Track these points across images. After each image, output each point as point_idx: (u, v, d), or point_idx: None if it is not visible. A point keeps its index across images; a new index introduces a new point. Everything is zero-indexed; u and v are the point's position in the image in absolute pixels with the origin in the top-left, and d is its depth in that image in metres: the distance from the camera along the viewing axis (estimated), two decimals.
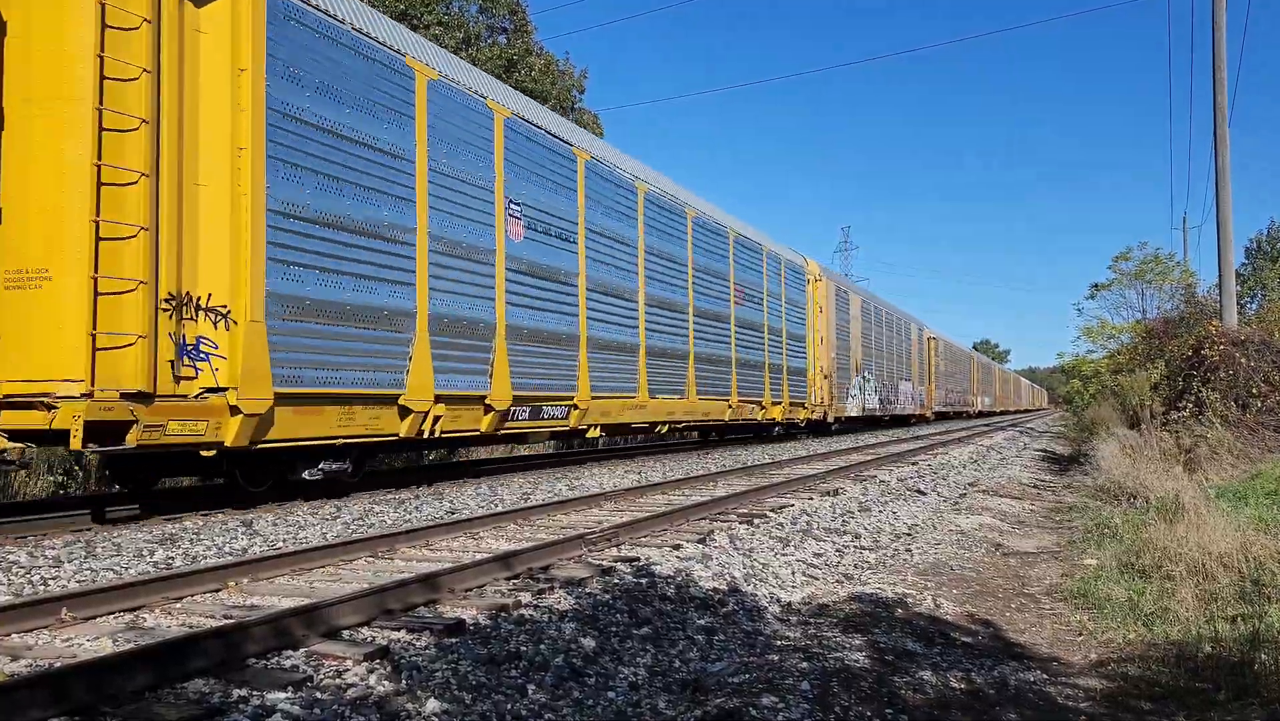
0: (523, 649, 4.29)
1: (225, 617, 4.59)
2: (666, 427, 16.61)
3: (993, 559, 8.30)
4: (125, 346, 7.13)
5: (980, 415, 61.57)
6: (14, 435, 6.94)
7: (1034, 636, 5.74)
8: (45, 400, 6.82)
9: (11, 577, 5.52)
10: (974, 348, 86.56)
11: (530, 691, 3.85)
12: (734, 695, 4.02)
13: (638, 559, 6.43)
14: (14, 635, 4.32)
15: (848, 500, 10.51)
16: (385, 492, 10.33)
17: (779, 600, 6.12)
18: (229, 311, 7.89)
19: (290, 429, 8.42)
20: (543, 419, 12.44)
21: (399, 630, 4.46)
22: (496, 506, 9.21)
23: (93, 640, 4.28)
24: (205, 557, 6.36)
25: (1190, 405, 16.20)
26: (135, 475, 9.09)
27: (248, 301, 7.93)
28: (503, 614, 4.82)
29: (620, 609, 5.15)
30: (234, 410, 7.83)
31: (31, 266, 7.05)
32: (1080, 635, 5.72)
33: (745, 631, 5.28)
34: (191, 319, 7.72)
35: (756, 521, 8.38)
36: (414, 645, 4.23)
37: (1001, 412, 75.37)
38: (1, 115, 7.13)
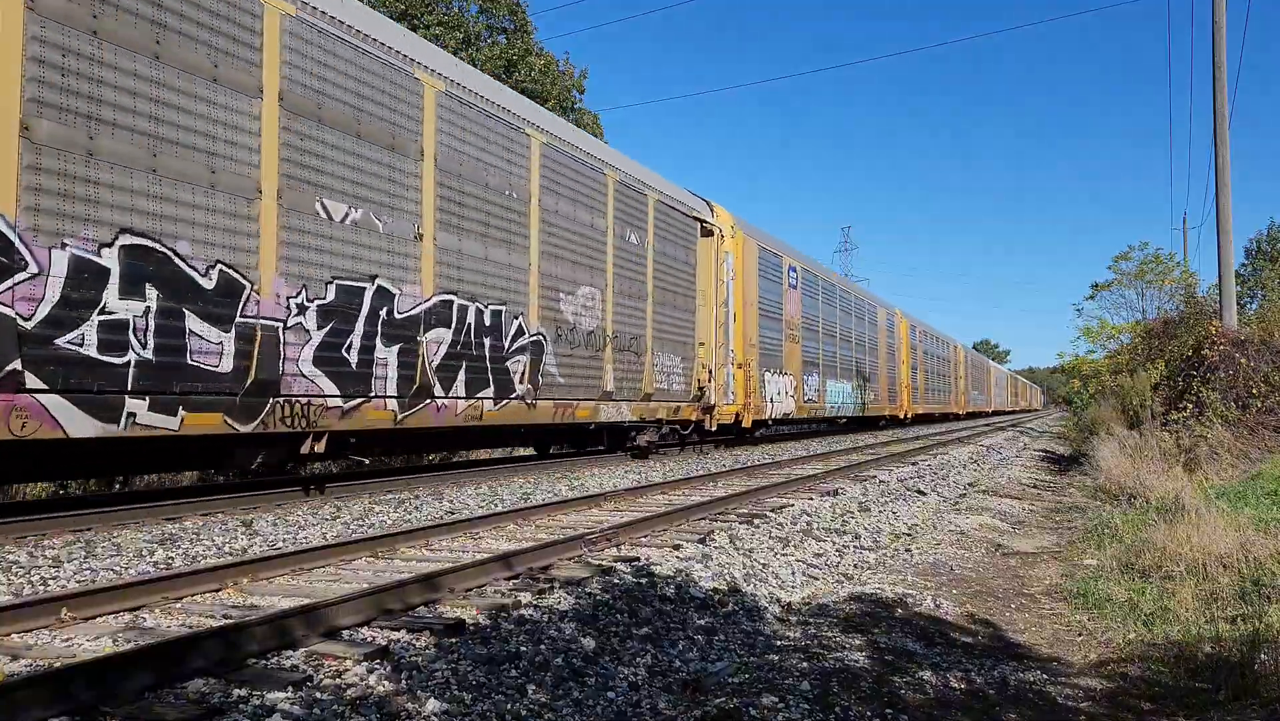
0: (523, 649, 4.29)
1: (225, 617, 4.59)
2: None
3: (993, 559, 8.30)
4: None
5: (994, 413, 66.08)
6: None
7: (1034, 636, 5.74)
8: None
9: (11, 577, 5.51)
10: (974, 347, 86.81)
11: (530, 691, 3.85)
12: (734, 695, 4.02)
13: (638, 559, 6.43)
14: (14, 635, 4.32)
15: (848, 500, 10.51)
16: (385, 492, 10.32)
17: (779, 600, 6.12)
18: None
19: None
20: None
21: (399, 630, 4.45)
22: (496, 506, 9.20)
23: (93, 640, 4.28)
24: (205, 557, 6.35)
25: (1190, 405, 16.20)
26: None
27: None
28: (502, 614, 4.82)
29: (620, 609, 5.15)
30: None
31: None
32: (1080, 635, 5.72)
33: (745, 631, 5.28)
34: None
35: (756, 521, 8.38)
36: (414, 645, 4.23)
37: (1012, 412, 76.33)
38: None
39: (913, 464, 16.09)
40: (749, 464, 15.11)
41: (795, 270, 23.11)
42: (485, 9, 23.11)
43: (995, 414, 66.74)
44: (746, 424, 19.11)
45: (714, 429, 17.68)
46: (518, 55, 22.90)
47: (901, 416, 36.11)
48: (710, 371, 17.42)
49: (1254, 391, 15.27)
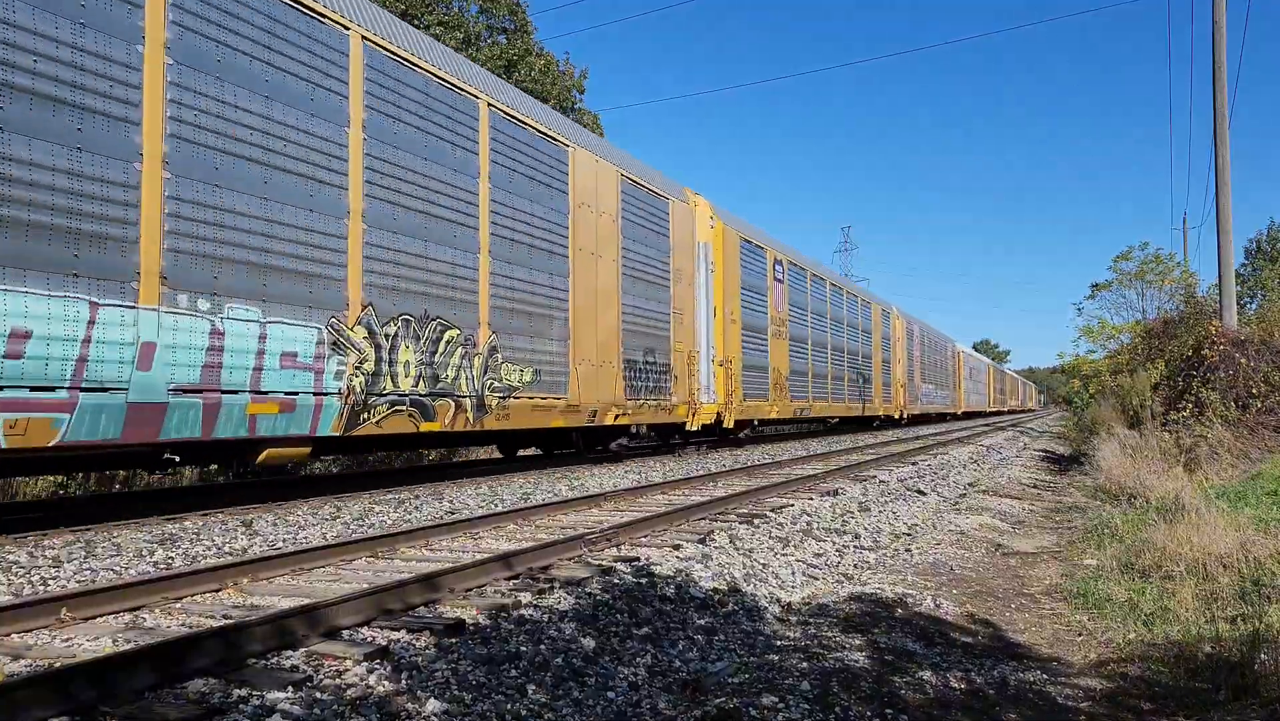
0: (523, 649, 4.29)
1: (225, 617, 4.59)
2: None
3: (993, 559, 8.30)
4: None
5: (966, 415, 62.77)
6: None
7: (1034, 636, 5.74)
8: None
9: (11, 577, 5.52)
10: (974, 347, 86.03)
11: (530, 691, 3.85)
12: (734, 695, 4.02)
13: (638, 559, 6.43)
14: (14, 635, 4.32)
15: (848, 500, 10.51)
16: (385, 492, 10.33)
17: (779, 600, 6.12)
18: None
19: None
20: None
21: (399, 630, 4.45)
22: (496, 506, 9.20)
23: (93, 640, 4.28)
24: (205, 557, 6.35)
25: (1190, 405, 16.20)
26: None
27: None
28: (502, 614, 4.82)
29: (620, 609, 5.15)
30: None
31: None
32: (1080, 635, 5.72)
33: (745, 631, 5.28)
34: None
35: (756, 521, 8.38)
36: (414, 645, 4.23)
37: (996, 414, 75.20)
38: None
39: (913, 464, 16.09)
40: (749, 464, 15.11)
41: None
42: (485, 9, 23.10)
43: (967, 417, 53.16)
44: None
45: None
46: (518, 55, 22.89)
47: (687, 425, 16.74)
48: None
49: (1254, 391, 15.27)
